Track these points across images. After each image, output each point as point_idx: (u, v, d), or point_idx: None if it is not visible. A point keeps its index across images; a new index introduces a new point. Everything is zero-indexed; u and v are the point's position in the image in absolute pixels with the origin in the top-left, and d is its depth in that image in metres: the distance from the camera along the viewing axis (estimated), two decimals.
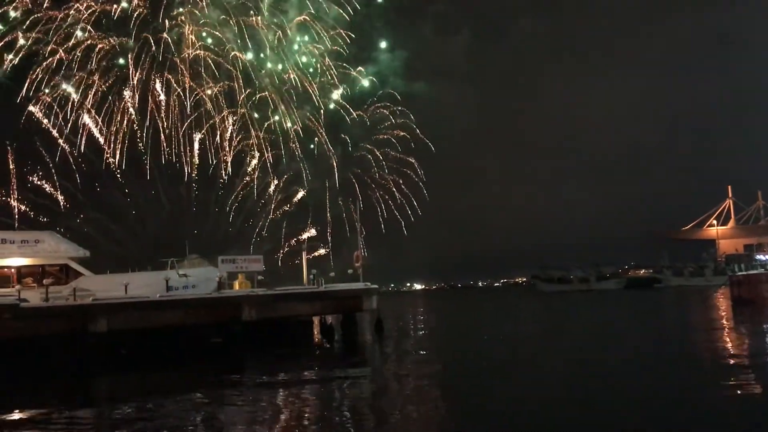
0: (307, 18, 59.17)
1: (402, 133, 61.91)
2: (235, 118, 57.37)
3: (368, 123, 62.04)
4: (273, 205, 58.57)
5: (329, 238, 58.45)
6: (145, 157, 54.83)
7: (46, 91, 52.17)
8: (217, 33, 56.61)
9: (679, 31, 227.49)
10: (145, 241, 52.70)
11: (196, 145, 56.17)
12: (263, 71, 59.34)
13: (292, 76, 59.22)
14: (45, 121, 52.22)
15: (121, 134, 54.37)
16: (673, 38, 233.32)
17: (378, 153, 61.89)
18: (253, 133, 57.79)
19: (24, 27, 51.70)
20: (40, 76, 51.90)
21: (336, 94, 60.90)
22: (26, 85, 51.53)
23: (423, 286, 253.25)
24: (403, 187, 61.44)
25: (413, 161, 62.03)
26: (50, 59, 52.02)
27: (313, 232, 57.95)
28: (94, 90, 53.56)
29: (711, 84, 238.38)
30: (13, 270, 31.50)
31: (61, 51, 52.12)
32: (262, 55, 59.22)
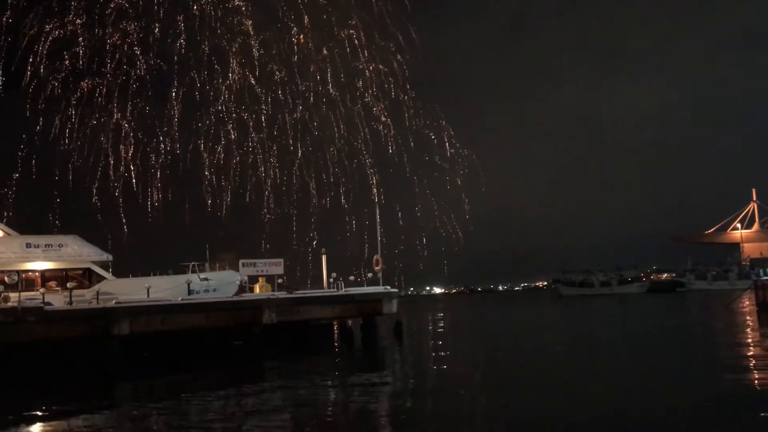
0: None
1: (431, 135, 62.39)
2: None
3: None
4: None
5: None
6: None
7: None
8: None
9: (705, 29, 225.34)
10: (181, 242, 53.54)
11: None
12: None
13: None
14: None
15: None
16: (698, 37, 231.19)
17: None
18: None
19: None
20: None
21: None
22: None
23: (442, 290, 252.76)
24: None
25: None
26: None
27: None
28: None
29: (735, 85, 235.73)
30: (37, 273, 31.96)
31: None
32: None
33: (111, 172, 54.83)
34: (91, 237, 34.52)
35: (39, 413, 15.77)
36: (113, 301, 27.77)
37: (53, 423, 14.81)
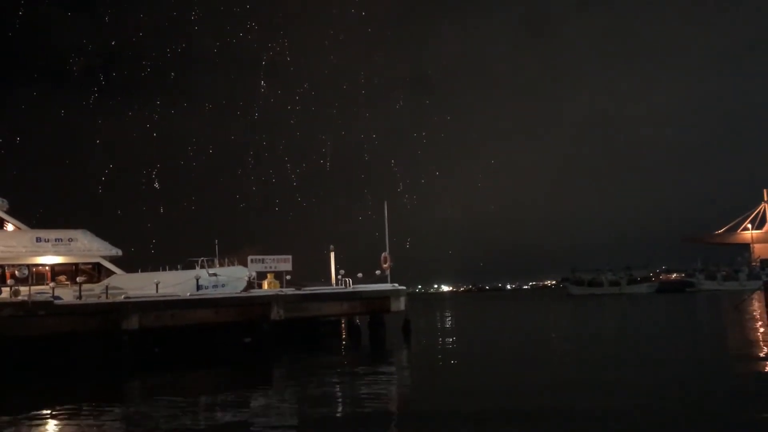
0: None
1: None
2: None
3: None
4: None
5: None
6: None
7: None
8: None
9: (718, 34, 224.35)
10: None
11: None
12: None
13: None
14: None
15: None
16: (711, 41, 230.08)
17: None
18: None
19: None
20: None
21: None
22: None
23: (450, 288, 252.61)
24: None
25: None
26: None
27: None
28: None
29: (749, 87, 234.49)
30: (47, 268, 32.16)
31: None
32: None
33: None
34: (103, 232, 34.71)
35: (48, 408, 15.87)
36: (122, 296, 27.90)
37: (62, 417, 14.90)
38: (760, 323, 34.47)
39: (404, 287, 33.09)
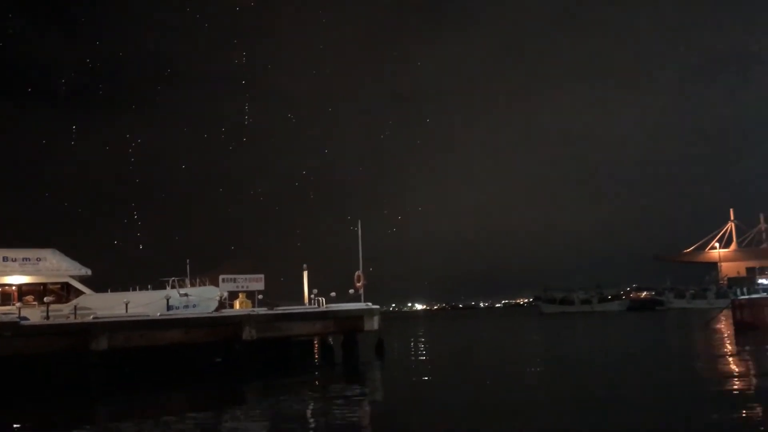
0: None
1: None
2: None
3: None
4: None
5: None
6: None
7: None
8: None
9: (686, 54, 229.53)
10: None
11: None
12: None
13: None
14: None
15: None
16: (683, 58, 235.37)
17: None
18: None
19: None
20: None
21: None
22: None
23: (424, 307, 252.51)
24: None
25: None
26: None
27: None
28: None
29: (716, 107, 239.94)
30: (14, 288, 31.56)
31: None
32: None
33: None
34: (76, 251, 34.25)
35: (15, 429, 15.54)
36: (91, 316, 27.48)
37: None
38: (728, 342, 35.03)
39: (378, 306, 33.05)
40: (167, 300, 31.23)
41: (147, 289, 34.22)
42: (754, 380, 20.10)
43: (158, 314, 28.74)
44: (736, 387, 18.57)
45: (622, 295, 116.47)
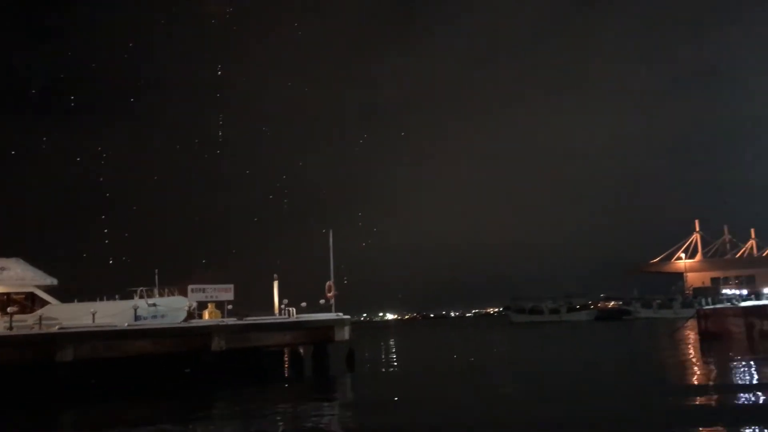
0: None
1: None
2: None
3: None
4: None
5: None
6: None
7: None
8: None
9: (663, 65, 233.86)
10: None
11: None
12: None
13: None
14: None
15: None
16: (656, 72, 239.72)
17: None
18: None
19: None
20: None
21: None
22: None
23: (395, 316, 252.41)
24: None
25: None
26: None
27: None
28: None
29: (683, 119, 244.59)
30: None
31: None
32: None
33: None
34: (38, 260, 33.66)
35: None
36: (57, 327, 27.07)
37: None
38: (691, 350, 35.68)
39: (348, 316, 33.06)
40: (135, 310, 30.90)
41: (114, 299, 33.80)
42: (714, 390, 20.52)
43: (126, 324, 28.44)
44: (699, 396, 18.95)
45: (591, 305, 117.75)
